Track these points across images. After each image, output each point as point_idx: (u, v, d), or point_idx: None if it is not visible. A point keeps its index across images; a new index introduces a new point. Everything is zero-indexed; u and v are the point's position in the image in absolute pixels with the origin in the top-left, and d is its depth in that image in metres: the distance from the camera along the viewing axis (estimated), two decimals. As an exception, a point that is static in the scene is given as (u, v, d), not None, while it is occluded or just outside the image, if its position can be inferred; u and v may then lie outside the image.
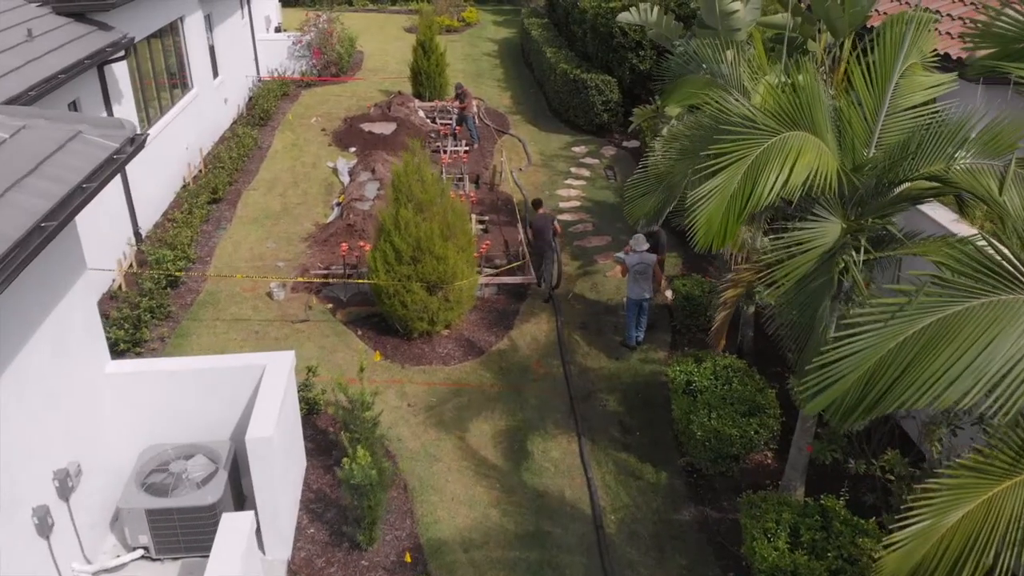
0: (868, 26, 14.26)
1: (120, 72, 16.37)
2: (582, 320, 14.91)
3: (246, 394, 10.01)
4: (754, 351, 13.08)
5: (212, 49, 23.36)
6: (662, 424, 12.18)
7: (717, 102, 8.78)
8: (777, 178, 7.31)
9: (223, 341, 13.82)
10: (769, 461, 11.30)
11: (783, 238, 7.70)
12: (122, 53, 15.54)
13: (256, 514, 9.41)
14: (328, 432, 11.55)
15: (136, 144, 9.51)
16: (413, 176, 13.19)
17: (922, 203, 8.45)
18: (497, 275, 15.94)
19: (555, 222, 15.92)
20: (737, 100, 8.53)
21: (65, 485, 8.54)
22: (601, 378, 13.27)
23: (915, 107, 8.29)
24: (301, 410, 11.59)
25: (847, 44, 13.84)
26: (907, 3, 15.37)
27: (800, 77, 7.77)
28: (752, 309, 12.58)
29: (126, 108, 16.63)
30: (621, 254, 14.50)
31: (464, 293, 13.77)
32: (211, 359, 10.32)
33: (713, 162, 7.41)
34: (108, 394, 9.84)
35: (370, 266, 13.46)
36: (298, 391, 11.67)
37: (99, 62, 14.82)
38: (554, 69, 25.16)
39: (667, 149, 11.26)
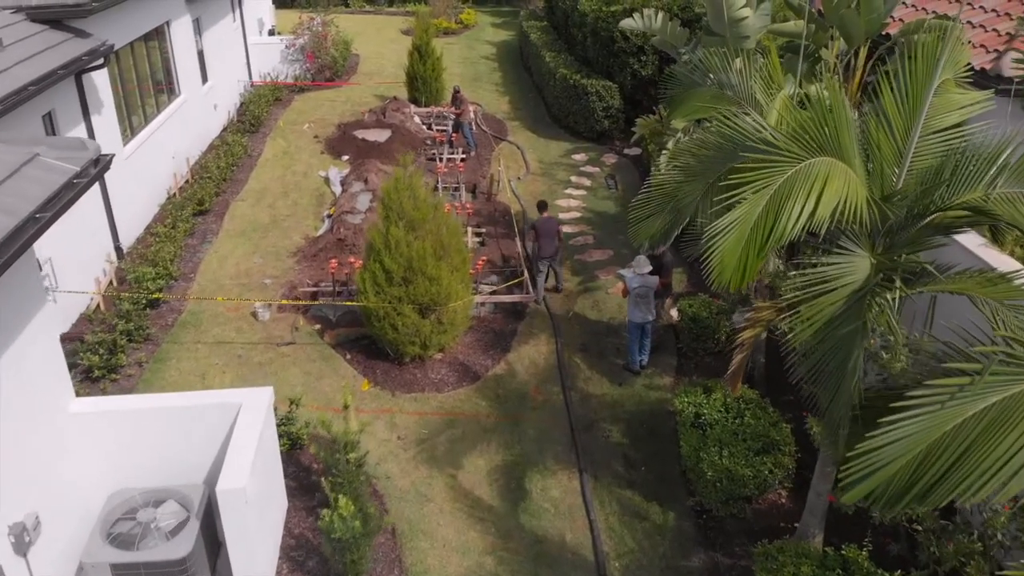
0: (885, 33, 13.50)
1: (100, 81, 15.64)
2: (582, 341, 14.18)
3: (221, 434, 9.28)
4: (765, 377, 12.34)
5: (201, 54, 22.62)
6: (669, 458, 11.46)
7: (732, 122, 8.06)
8: (802, 209, 6.59)
9: (203, 366, 13.09)
10: (783, 500, 10.57)
11: (806, 274, 6.96)
12: (101, 61, 14.84)
13: (230, 567, 8.71)
14: (312, 469, 10.82)
15: (101, 166, 8.80)
16: (404, 192, 12.46)
17: (956, 233, 7.72)
18: (494, 293, 15.24)
19: (559, 227, 15.53)
20: (755, 120, 7.78)
21: (22, 540, 7.82)
22: (603, 406, 12.54)
23: (949, 128, 7.56)
24: (283, 446, 10.88)
25: (862, 52, 13.11)
26: (923, 9, 14.63)
27: (826, 95, 7.02)
28: (764, 334, 11.82)
29: (106, 118, 15.90)
30: (624, 270, 13.80)
31: (458, 315, 13.04)
32: (183, 396, 9.59)
33: (730, 193, 6.67)
34: (73, 435, 9.11)
35: (359, 287, 12.72)
36: (280, 425, 10.97)
37: (75, 71, 14.09)
38: (553, 74, 24.43)
39: (674, 166, 10.56)
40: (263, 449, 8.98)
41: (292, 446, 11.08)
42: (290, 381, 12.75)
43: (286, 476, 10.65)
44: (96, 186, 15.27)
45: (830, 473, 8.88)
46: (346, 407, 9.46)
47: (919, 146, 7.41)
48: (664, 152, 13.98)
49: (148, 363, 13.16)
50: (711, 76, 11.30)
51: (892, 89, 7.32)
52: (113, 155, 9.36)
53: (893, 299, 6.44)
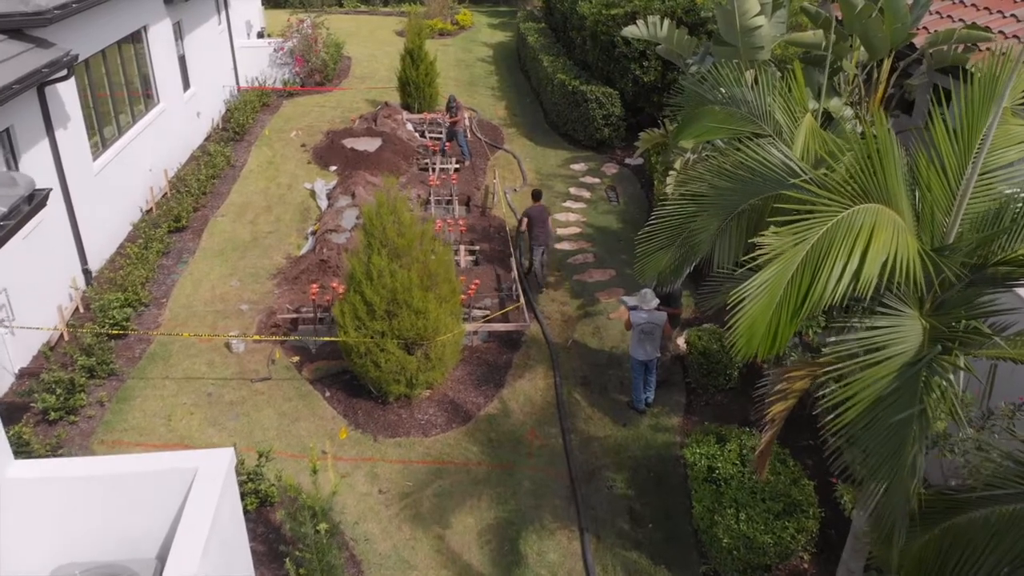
0: (910, 44, 12.42)
1: (66, 93, 14.58)
2: (583, 374, 13.13)
3: (175, 502, 8.21)
4: (784, 426, 11.27)
5: (183, 59, 21.55)
6: (679, 512, 10.42)
7: (755, 152, 7.02)
8: (844, 268, 5.54)
9: (170, 406, 12.03)
10: (806, 566, 9.53)
11: (846, 342, 5.91)
12: (64, 73, 13.78)
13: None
14: (283, 530, 9.76)
15: (36, 203, 7.73)
16: (388, 217, 11.40)
17: (1017, 286, 6.66)
18: (487, 319, 14.19)
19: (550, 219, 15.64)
20: (782, 153, 6.73)
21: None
22: (607, 450, 11.50)
23: (1008, 165, 6.52)
24: (250, 504, 9.86)
25: (886, 64, 12.07)
26: (949, 17, 13.55)
27: (872, 129, 5.97)
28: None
29: (73, 133, 14.85)
30: (628, 298, 12.74)
31: (447, 350, 11.99)
32: (132, 460, 8.50)
33: (759, 252, 5.62)
34: (9, 503, 8.05)
35: (338, 321, 11.66)
36: (247, 481, 9.94)
37: (36, 84, 13.05)
38: (551, 79, 23.35)
39: (683, 193, 9.53)
40: (221, 522, 7.92)
41: (262, 503, 10.03)
42: (263, 423, 11.70)
43: (254, 539, 9.62)
44: (61, 206, 14.25)
45: (863, 548, 7.84)
46: (314, 472, 8.39)
47: (975, 186, 6.35)
48: (671, 172, 12.92)
49: (110, 402, 12.11)
50: (722, 90, 10.26)
51: (945, 121, 6.25)
52: (50, 190, 8.31)
53: (957, 381, 5.38)
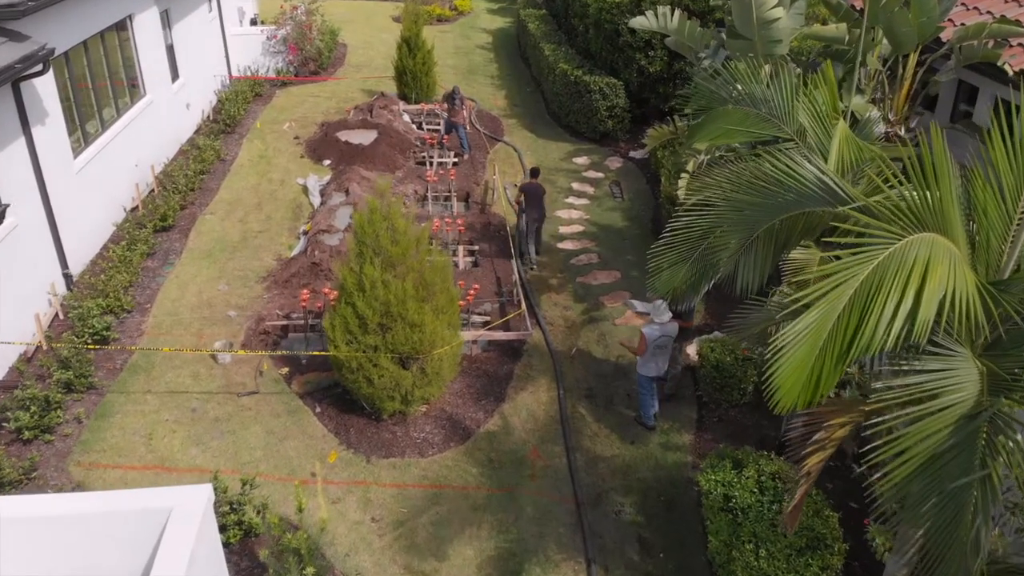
0: (937, 38, 11.67)
1: (44, 88, 13.84)
2: (588, 386, 12.46)
3: (147, 544, 7.54)
4: (802, 436, 10.61)
5: (171, 49, 20.74)
6: (691, 539, 9.78)
7: (785, 165, 6.31)
8: (897, 309, 4.84)
9: (151, 423, 11.36)
10: (829, 603, 8.87)
11: (892, 389, 5.22)
12: (40, 67, 13.02)
13: None
14: (267, 568, 9.10)
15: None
16: (380, 224, 10.68)
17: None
18: (487, 325, 13.53)
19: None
20: (822, 173, 6.01)
21: None
22: (614, 471, 10.84)
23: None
24: (234, 536, 9.21)
25: (912, 59, 11.33)
26: (976, 9, 12.77)
27: (929, 150, 5.26)
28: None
29: (52, 129, 14.11)
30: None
31: (445, 364, 11.30)
32: (100, 499, 7.82)
33: (801, 293, 4.92)
34: (-34, 545, 7.41)
35: (328, 335, 10.97)
36: (230, 512, 9.28)
37: (9, 80, 12.31)
38: (553, 69, 22.55)
39: (697, 202, 8.83)
40: (198, 568, 7.27)
41: (246, 535, 9.37)
42: (249, 442, 11.03)
43: (238, 573, 8.97)
44: (39, 208, 13.53)
45: (898, 595, 7.19)
46: (300, 510, 7.72)
47: (1036, 209, 5.64)
48: (683, 175, 12.19)
49: (88, 419, 11.43)
50: (738, 87, 9.53)
51: (1003, 136, 5.52)
52: (7, 205, 7.57)
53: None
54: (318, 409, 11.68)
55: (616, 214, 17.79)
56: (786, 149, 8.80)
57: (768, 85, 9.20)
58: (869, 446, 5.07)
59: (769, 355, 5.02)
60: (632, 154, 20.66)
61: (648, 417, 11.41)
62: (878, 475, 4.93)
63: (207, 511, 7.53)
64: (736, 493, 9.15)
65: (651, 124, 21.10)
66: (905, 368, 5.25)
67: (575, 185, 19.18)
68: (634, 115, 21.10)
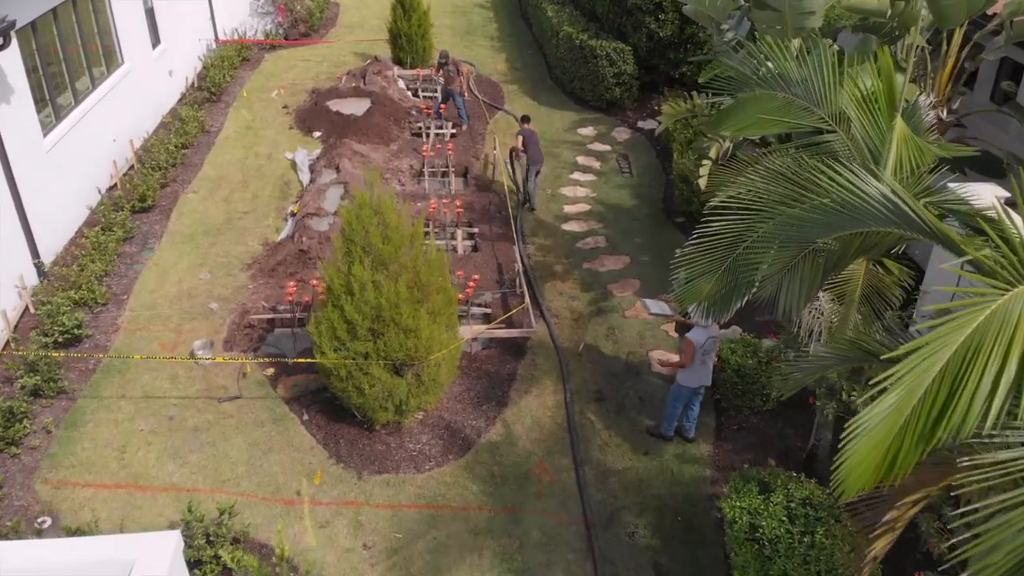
0: (989, 13, 10.56)
1: (7, 61, 12.75)
2: (597, 388, 11.56)
3: (108, 600, 6.74)
4: (830, 457, 9.73)
5: (151, 12, 19.50)
6: (712, 568, 8.95)
7: (845, 181, 5.34)
8: (998, 379, 3.90)
9: (125, 434, 10.47)
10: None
11: (982, 465, 4.29)
12: (0, 41, 11.95)
13: None
14: (248, 607, 8.28)
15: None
16: (370, 220, 9.69)
17: None
18: (487, 317, 12.62)
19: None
20: (892, 196, 5.03)
21: None
22: (627, 486, 9.98)
23: None
24: (212, 572, 8.34)
25: (957, 36, 10.24)
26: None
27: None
28: (831, 414, 9.09)
29: (18, 106, 13.06)
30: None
31: (442, 369, 10.38)
32: (56, 549, 6.97)
33: (880, 377, 3.96)
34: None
35: (314, 341, 10.03)
36: (208, 543, 8.43)
37: (-38, 56, 11.26)
38: (556, 32, 21.31)
39: (729, 199, 7.87)
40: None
41: (224, 570, 8.52)
42: (230, 456, 10.16)
43: (215, 614, 8.16)
44: (5, 193, 12.54)
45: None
46: (282, 558, 6.85)
47: None
48: (704, 163, 11.16)
49: (58, 429, 10.55)
50: (769, 65, 8.50)
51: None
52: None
53: None
54: (305, 416, 10.79)
55: (624, 192, 16.75)
56: (827, 142, 7.84)
57: (804, 64, 8.18)
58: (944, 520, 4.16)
59: (844, 441, 4.07)
60: (641, 124, 19.54)
61: (669, 429, 10.44)
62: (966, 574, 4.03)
63: (174, 561, 6.71)
64: (763, 523, 8.28)
65: (661, 92, 20.01)
66: (999, 442, 4.32)
67: (580, 159, 18.10)
68: (643, 82, 19.95)
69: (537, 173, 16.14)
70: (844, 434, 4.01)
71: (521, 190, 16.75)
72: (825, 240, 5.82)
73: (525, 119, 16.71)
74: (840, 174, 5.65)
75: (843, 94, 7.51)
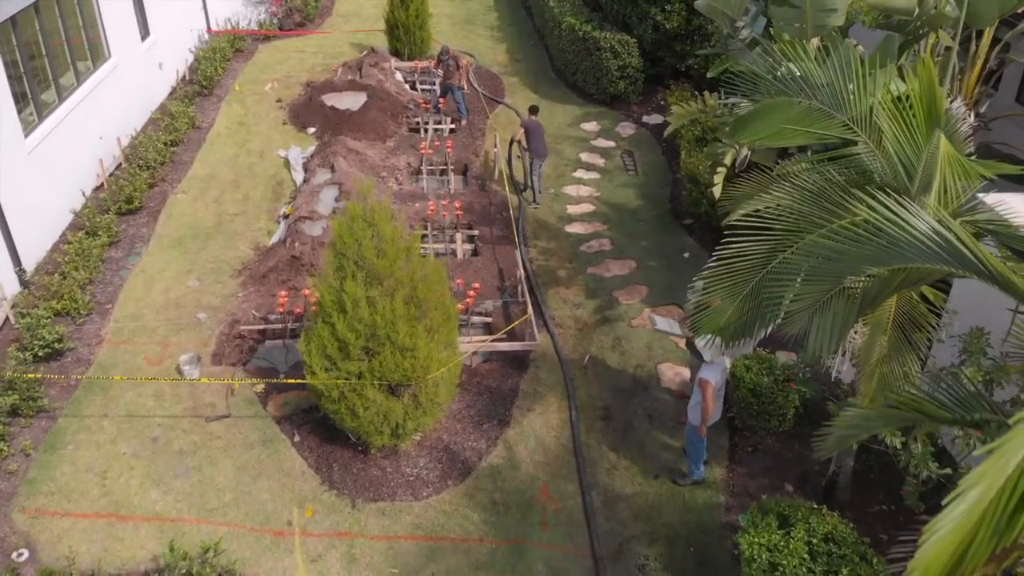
0: (1020, 12, 9.94)
1: (-17, 60, 12.16)
2: (603, 404, 11.01)
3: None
4: (851, 485, 9.20)
5: (140, 3, 18.84)
6: (727, 606, 8.43)
7: (888, 215, 4.77)
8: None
9: (107, 457, 9.94)
10: None
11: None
12: (-27, 38, 11.37)
13: None
14: (234, 653, 7.77)
15: None
16: (364, 233, 9.10)
17: None
18: (488, 327, 12.10)
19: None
20: (945, 232, 4.46)
21: None
22: (636, 514, 9.44)
23: None
24: (193, 616, 7.82)
25: (987, 35, 9.63)
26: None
27: None
28: (855, 443, 8.52)
29: (-5, 106, 12.47)
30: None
31: (441, 389, 9.82)
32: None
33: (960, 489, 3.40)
34: None
35: (304, 360, 9.47)
36: (190, 584, 7.89)
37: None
38: (559, 22, 20.64)
39: (747, 211, 7.35)
40: None
41: (208, 612, 8.01)
42: (217, 482, 9.61)
43: (198, 662, 7.64)
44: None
45: None
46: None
47: None
48: (719, 170, 10.57)
49: (36, 452, 10.01)
50: (791, 66, 7.92)
51: None
52: None
53: None
54: (297, 437, 10.24)
55: (630, 191, 16.14)
56: (855, 155, 7.25)
57: (826, 65, 7.60)
58: None
59: (921, 540, 3.51)
60: (646, 119, 18.91)
61: (699, 471, 9.73)
62: None
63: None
64: (783, 560, 7.75)
65: (667, 85, 19.38)
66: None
67: (584, 156, 17.49)
68: (648, 75, 19.30)
69: (540, 166, 15.74)
70: (921, 537, 3.44)
71: (522, 184, 16.26)
72: (863, 276, 5.25)
73: (533, 110, 16.05)
74: (881, 202, 5.07)
75: (879, 111, 6.91)
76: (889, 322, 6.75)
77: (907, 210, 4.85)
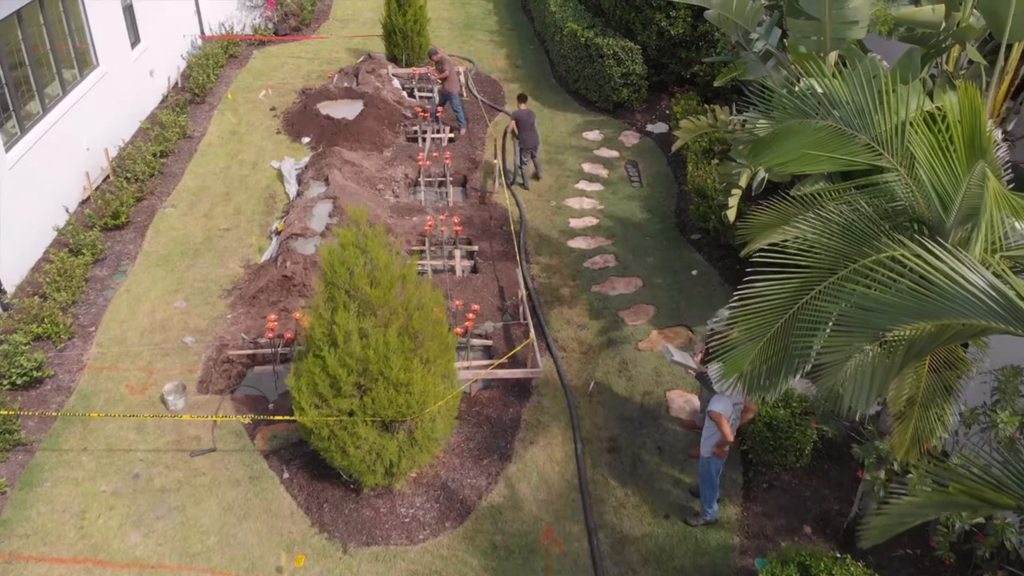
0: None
1: (-40, 71, 11.60)
2: (610, 435, 10.46)
3: None
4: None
5: (129, 9, 18.28)
6: (744, 661, 7.89)
7: (954, 276, 4.23)
8: None
9: (85, 495, 9.39)
10: None
11: None
12: (-52, 50, 10.82)
13: None
14: None
15: None
16: (356, 261, 8.55)
17: None
18: (488, 351, 11.57)
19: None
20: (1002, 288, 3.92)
21: None
22: (646, 557, 8.88)
23: None
24: None
25: (1016, 50, 9.08)
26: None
27: None
28: (881, 490, 7.95)
29: (-28, 121, 11.91)
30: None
31: (438, 424, 9.26)
32: None
33: None
34: None
35: (293, 396, 8.92)
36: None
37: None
38: (560, 28, 20.09)
39: (768, 241, 6.81)
40: None
41: (188, 673, 7.47)
42: (201, 524, 9.06)
43: None
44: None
45: None
46: None
47: None
48: (734, 193, 10.01)
49: (12, 489, 9.46)
50: (812, 82, 7.37)
51: None
52: None
53: None
54: (286, 474, 9.70)
55: (634, 204, 15.59)
56: (886, 184, 6.71)
57: (851, 83, 7.06)
58: None
59: None
60: (650, 128, 18.36)
61: (713, 509, 9.19)
62: None
63: None
64: (807, 618, 7.22)
65: (671, 93, 18.84)
66: None
67: (586, 167, 16.94)
68: (652, 83, 18.75)
69: (532, 156, 16.19)
70: None
71: (512, 172, 16.44)
72: (905, 329, 4.71)
73: (522, 98, 16.25)
74: (928, 249, 4.52)
75: (913, 138, 6.35)
76: (925, 367, 6.21)
77: (962, 262, 4.31)
